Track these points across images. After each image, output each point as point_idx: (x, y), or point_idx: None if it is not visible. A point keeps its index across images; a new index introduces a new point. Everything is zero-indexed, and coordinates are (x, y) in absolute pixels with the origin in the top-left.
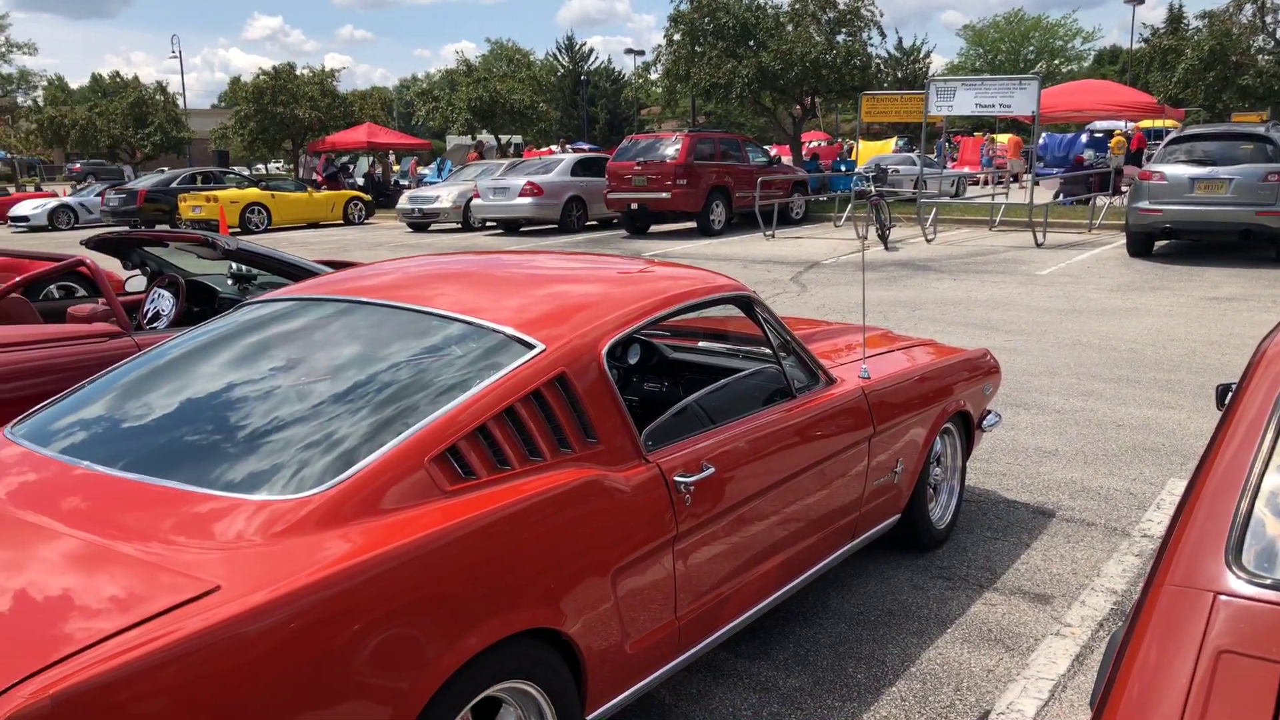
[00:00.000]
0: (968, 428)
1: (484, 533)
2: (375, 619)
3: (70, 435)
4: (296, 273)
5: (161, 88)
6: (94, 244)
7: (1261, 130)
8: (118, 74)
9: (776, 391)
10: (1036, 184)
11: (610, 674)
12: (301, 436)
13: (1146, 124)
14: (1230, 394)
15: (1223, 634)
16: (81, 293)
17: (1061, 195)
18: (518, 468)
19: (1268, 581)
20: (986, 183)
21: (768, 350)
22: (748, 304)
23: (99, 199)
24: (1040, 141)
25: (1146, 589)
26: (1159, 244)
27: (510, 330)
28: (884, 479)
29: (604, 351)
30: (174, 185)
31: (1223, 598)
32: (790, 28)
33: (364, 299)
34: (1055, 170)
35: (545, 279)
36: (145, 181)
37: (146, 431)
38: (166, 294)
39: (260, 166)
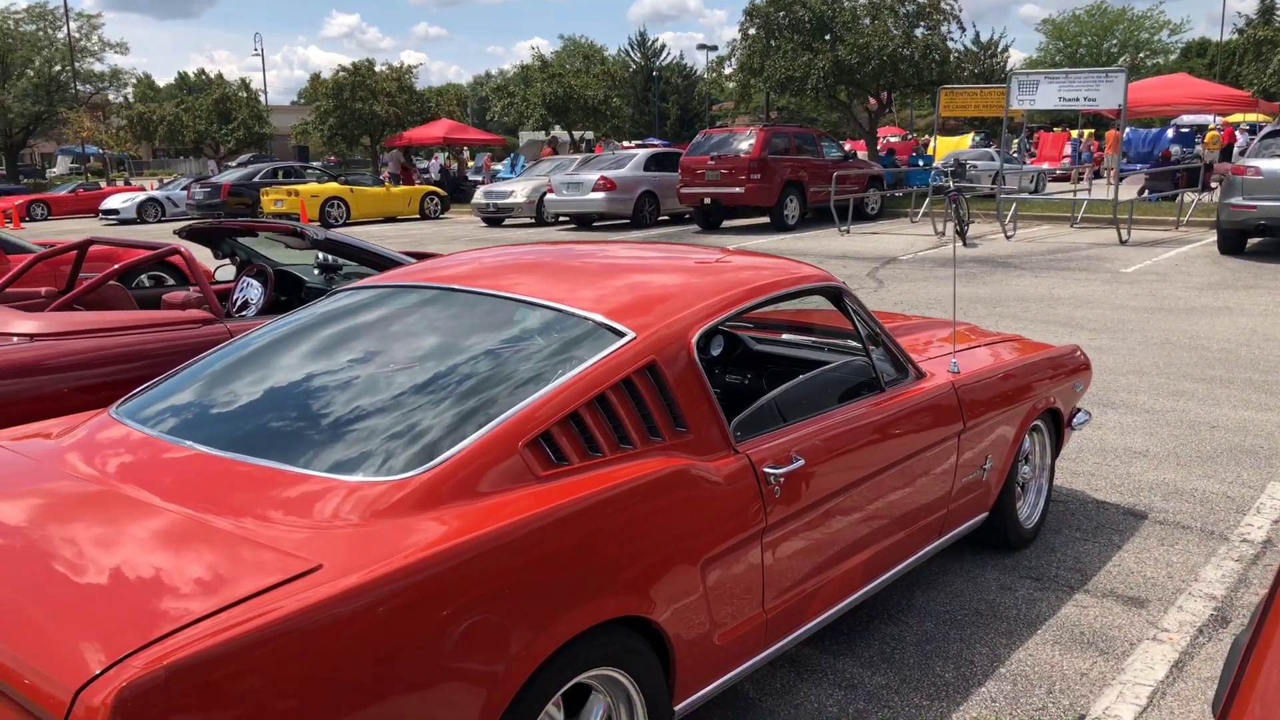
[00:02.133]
0: (1057, 425)
1: (577, 518)
2: (471, 601)
3: (172, 416)
4: (381, 262)
5: (245, 84)
6: (186, 234)
7: None
8: (203, 71)
9: (865, 384)
10: (1122, 180)
11: (698, 665)
12: (395, 420)
13: (1237, 118)
14: None
15: None
16: (170, 281)
17: (1146, 192)
18: (609, 455)
19: None
20: (1069, 178)
21: (855, 342)
22: (837, 295)
23: (185, 193)
24: (1124, 137)
25: (1274, 592)
26: (1252, 241)
27: (600, 318)
28: (972, 476)
29: (694, 340)
30: (256, 180)
31: None
32: (868, 21)
33: (453, 286)
34: (1139, 166)
35: (629, 268)
36: (229, 176)
37: (246, 413)
38: (255, 283)
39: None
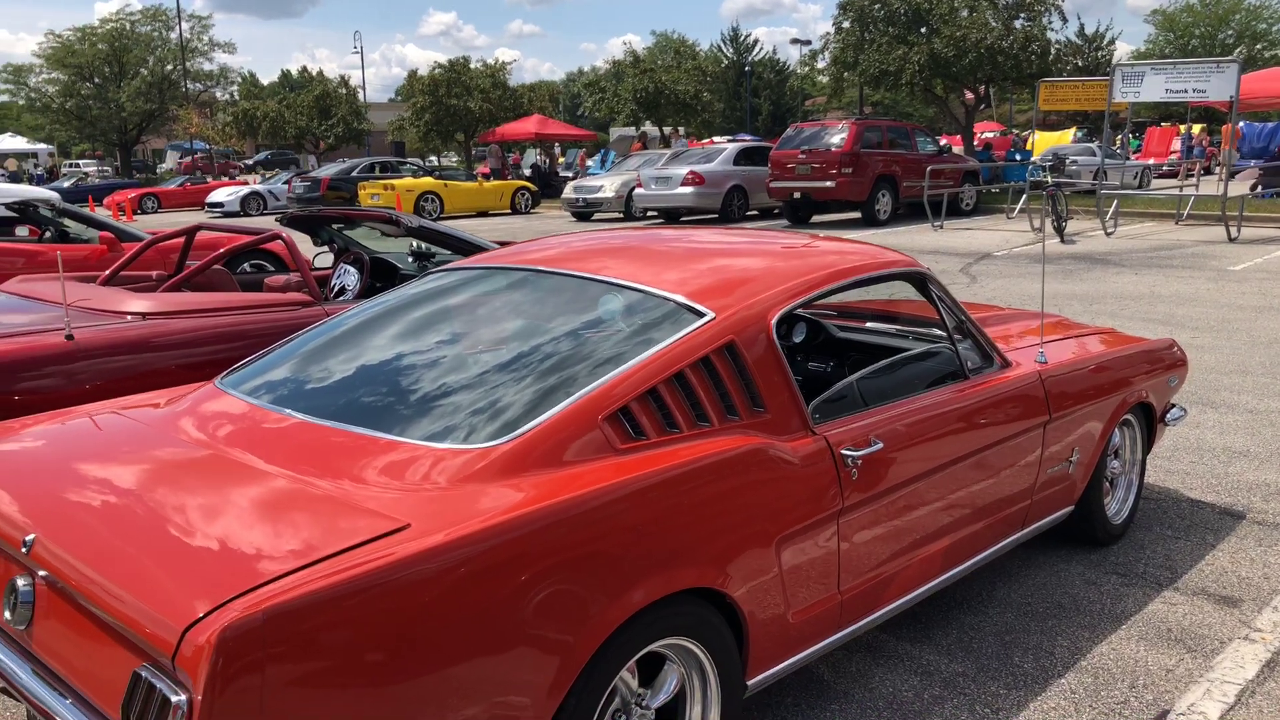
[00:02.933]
0: (1149, 420)
1: (653, 490)
2: (549, 565)
3: (274, 387)
4: (472, 250)
5: (344, 81)
6: (287, 221)
7: None
8: (305, 69)
9: (949, 372)
10: (1233, 175)
11: (772, 641)
12: (481, 395)
13: None
14: None
15: None
16: (271, 269)
17: (1260, 188)
18: (686, 431)
19: None
20: (1177, 174)
21: (940, 330)
22: (921, 281)
23: (286, 186)
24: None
25: None
26: None
27: (680, 298)
28: (1058, 468)
29: (773, 322)
30: (354, 174)
31: None
32: (965, 13)
33: (539, 268)
34: (1254, 162)
35: (713, 252)
36: (328, 170)
37: (342, 385)
38: (351, 270)
39: (433, 158)
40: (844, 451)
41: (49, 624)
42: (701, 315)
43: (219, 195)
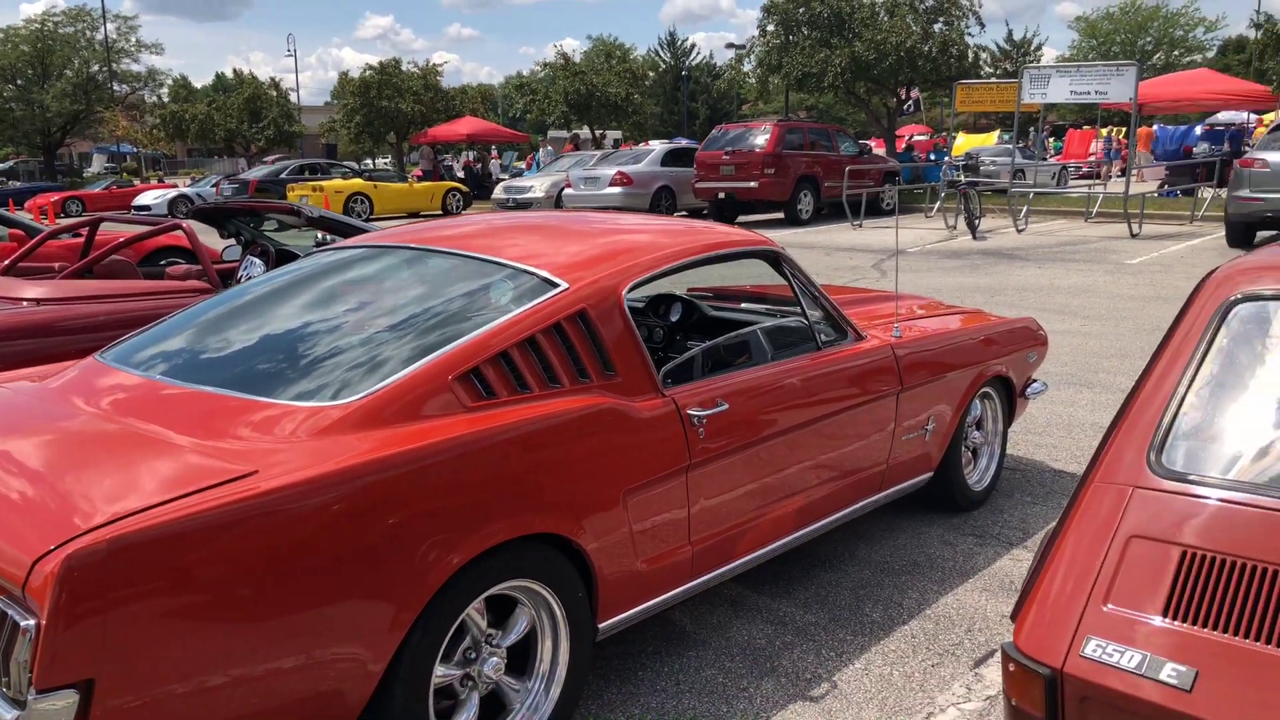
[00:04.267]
0: (1009, 394)
1: (498, 444)
2: (390, 509)
3: (151, 358)
4: None
5: (275, 83)
6: (194, 214)
7: None
8: (238, 72)
9: (802, 342)
10: (1138, 175)
11: (622, 587)
12: (346, 358)
13: (1270, 117)
14: (1174, 319)
15: (1135, 523)
16: (182, 263)
17: (1165, 186)
18: (538, 392)
19: (1182, 478)
20: (1096, 175)
21: (797, 306)
22: (774, 258)
23: (214, 189)
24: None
25: (1079, 487)
26: (1260, 234)
27: (543, 273)
28: (914, 435)
29: (624, 293)
30: (283, 176)
31: (1141, 491)
32: (885, 17)
33: (410, 245)
34: (1164, 163)
35: (586, 234)
36: (257, 173)
37: (215, 354)
38: (258, 261)
39: (368, 161)
40: (690, 411)
41: None
42: (555, 285)
43: (146, 198)
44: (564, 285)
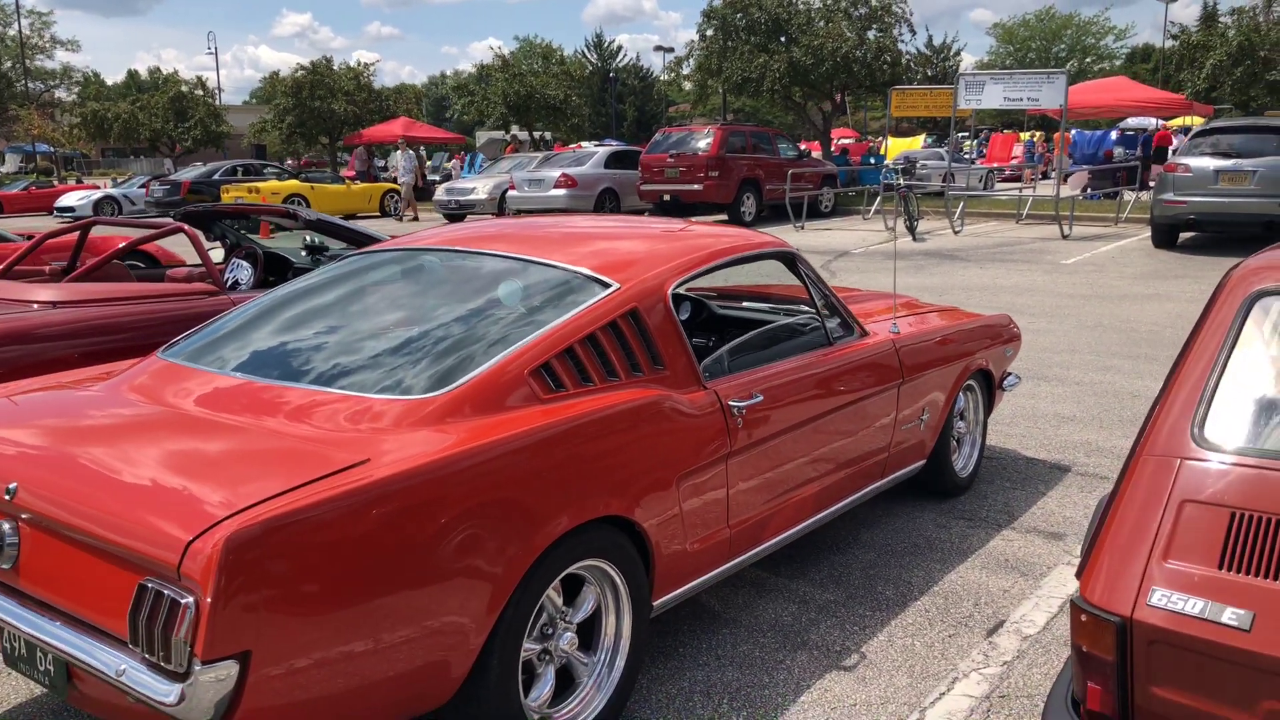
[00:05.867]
0: (989, 386)
1: (572, 432)
2: (489, 493)
3: (221, 355)
4: (368, 241)
5: (201, 83)
6: (181, 216)
7: None
8: (157, 70)
9: (816, 339)
10: (1065, 179)
11: (674, 567)
12: (423, 354)
13: (1179, 122)
14: (1202, 312)
15: (1185, 489)
16: (142, 267)
17: (1089, 190)
18: (598, 384)
19: (1222, 450)
20: (1019, 178)
21: (807, 304)
22: (791, 259)
23: (143, 190)
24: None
25: (1129, 460)
26: (1183, 235)
27: (587, 271)
28: (911, 425)
29: (669, 292)
30: (216, 177)
31: (1188, 462)
32: (822, 23)
33: (459, 248)
34: (1084, 166)
35: (603, 235)
36: (188, 174)
37: (287, 351)
38: (245, 264)
39: (291, 161)
40: (731, 402)
41: (37, 561)
42: (608, 285)
43: (69, 199)
44: (616, 285)
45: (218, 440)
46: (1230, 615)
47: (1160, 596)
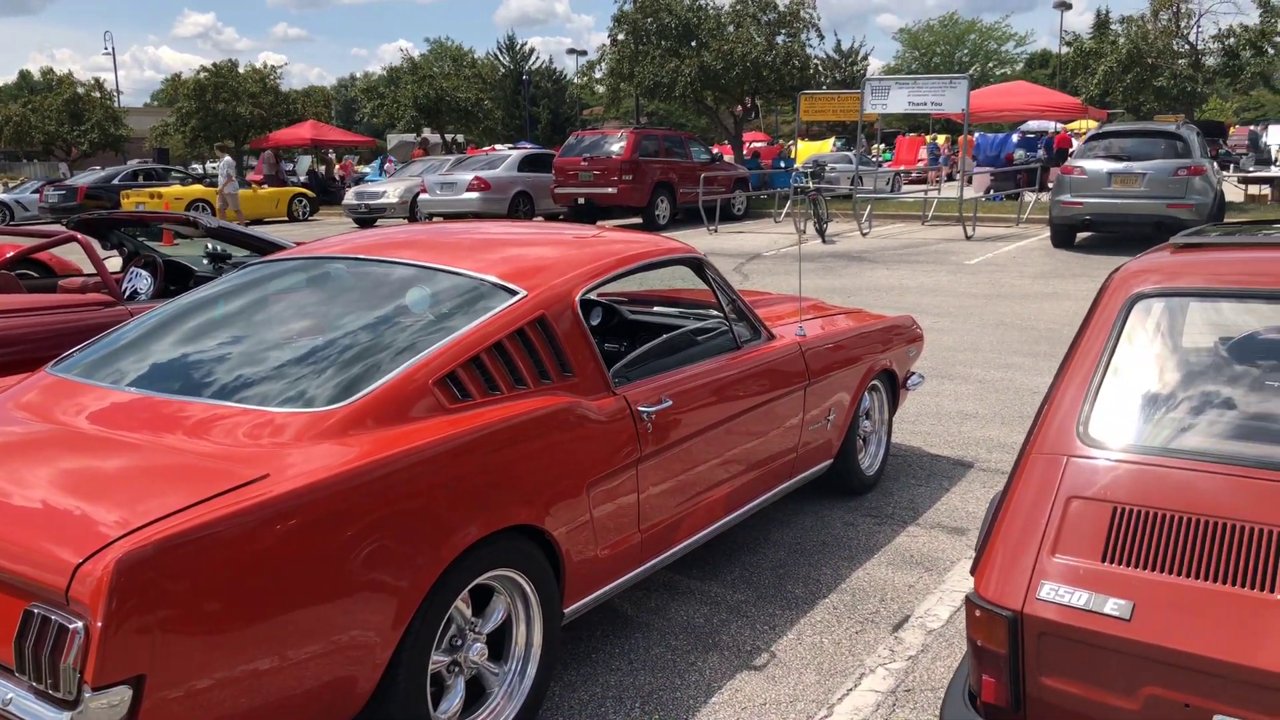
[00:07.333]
0: (893, 385)
1: (478, 441)
2: (394, 506)
3: (113, 370)
4: (273, 249)
5: (98, 84)
6: (76, 224)
7: (1173, 129)
8: (50, 71)
9: (724, 343)
10: (969, 181)
11: (585, 573)
12: (324, 365)
13: (1076, 125)
14: (1086, 314)
15: (1072, 486)
16: (35, 277)
17: (991, 191)
18: (506, 393)
19: (1106, 447)
20: (925, 180)
21: (715, 309)
22: (699, 265)
23: (37, 195)
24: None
25: (1019, 458)
26: (1080, 235)
27: (494, 279)
28: (817, 426)
29: (577, 299)
30: (116, 182)
31: (1075, 460)
32: (731, 28)
33: (365, 256)
34: (987, 169)
35: (512, 242)
36: (85, 178)
37: (184, 364)
38: (144, 273)
39: (196, 166)
40: (640, 408)
41: None
42: (515, 293)
43: None
44: (523, 292)
45: (110, 458)
46: (1112, 606)
47: (1049, 590)
